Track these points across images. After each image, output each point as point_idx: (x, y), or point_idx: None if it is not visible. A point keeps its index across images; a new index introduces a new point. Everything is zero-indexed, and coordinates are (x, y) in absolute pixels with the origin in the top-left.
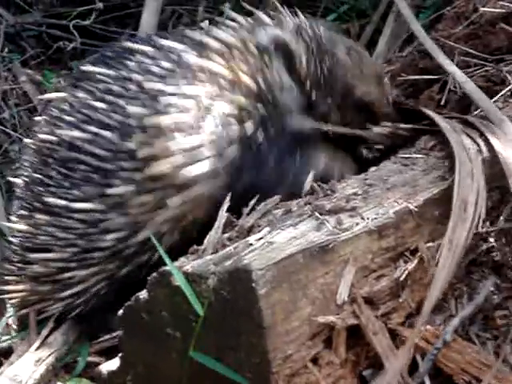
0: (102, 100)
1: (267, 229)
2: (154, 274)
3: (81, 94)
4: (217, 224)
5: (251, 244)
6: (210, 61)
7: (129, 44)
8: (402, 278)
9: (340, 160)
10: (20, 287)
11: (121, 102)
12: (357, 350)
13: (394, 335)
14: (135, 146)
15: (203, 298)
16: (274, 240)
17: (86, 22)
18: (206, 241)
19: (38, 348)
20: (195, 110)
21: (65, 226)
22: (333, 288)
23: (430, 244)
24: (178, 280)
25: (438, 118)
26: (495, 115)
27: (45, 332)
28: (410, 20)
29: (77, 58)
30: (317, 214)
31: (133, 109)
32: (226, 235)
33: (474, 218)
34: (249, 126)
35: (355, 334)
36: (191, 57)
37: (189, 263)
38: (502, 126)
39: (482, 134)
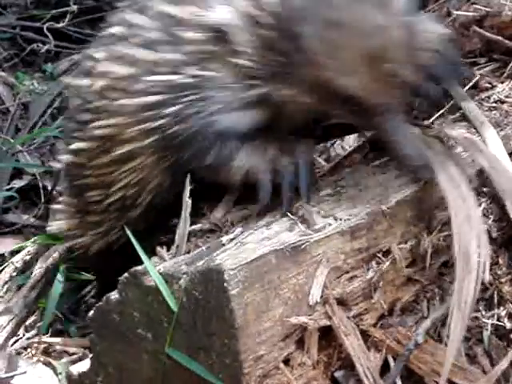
0: None
1: (240, 229)
2: (126, 275)
3: None
4: (183, 214)
5: (223, 244)
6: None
7: None
8: (374, 279)
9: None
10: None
11: None
12: (329, 351)
13: (366, 336)
14: None
15: (175, 299)
16: (247, 240)
17: (60, 25)
18: (176, 235)
19: None
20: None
21: None
22: (305, 289)
23: (403, 245)
24: (154, 277)
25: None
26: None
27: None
28: None
29: (50, 61)
30: (289, 215)
31: None
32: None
33: (479, 266)
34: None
35: (327, 335)
36: None
37: (161, 263)
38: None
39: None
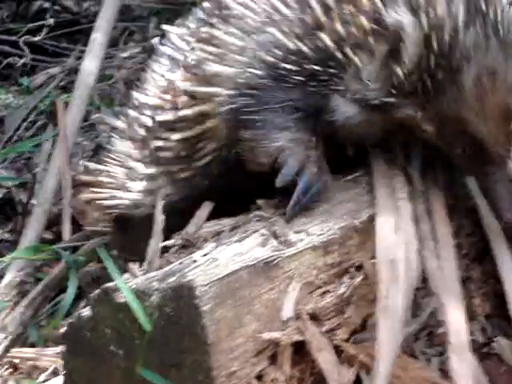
0: None
1: (212, 245)
2: (97, 291)
3: None
4: (155, 230)
5: (195, 260)
6: None
7: None
8: (346, 295)
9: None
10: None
11: None
12: (302, 366)
13: (338, 351)
14: None
15: (147, 315)
16: (219, 256)
17: (37, 38)
18: (148, 251)
19: None
20: None
21: None
22: (278, 304)
23: (375, 260)
24: (125, 295)
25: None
26: None
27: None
28: None
29: (27, 74)
30: (262, 230)
31: None
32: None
33: (408, 276)
34: (288, 67)
35: (300, 351)
36: None
37: (132, 279)
38: None
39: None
